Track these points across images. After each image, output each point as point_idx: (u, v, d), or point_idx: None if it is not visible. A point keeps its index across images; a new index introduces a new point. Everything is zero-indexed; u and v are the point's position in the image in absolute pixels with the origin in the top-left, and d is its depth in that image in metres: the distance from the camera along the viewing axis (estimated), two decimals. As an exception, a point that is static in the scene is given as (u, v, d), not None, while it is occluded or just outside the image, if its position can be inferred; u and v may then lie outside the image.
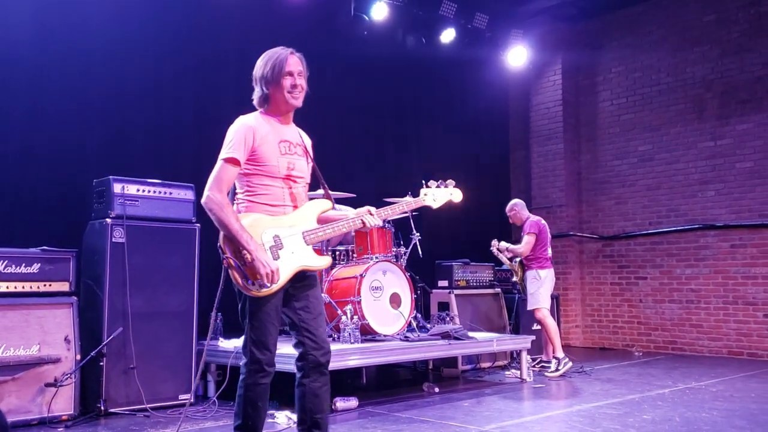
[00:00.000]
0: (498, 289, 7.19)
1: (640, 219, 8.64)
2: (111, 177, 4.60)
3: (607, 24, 8.99)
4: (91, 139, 5.53)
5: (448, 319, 6.23)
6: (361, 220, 3.07)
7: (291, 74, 2.92)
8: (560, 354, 6.33)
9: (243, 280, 2.74)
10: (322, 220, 3.03)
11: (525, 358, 6.02)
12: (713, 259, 7.91)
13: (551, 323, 6.45)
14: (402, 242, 6.14)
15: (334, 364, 4.81)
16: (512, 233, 9.36)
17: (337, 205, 4.78)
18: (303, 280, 2.93)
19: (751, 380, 5.97)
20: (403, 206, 3.34)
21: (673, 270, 8.23)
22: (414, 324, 5.78)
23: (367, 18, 7.26)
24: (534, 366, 6.56)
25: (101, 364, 4.35)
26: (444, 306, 6.68)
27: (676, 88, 8.30)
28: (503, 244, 6.79)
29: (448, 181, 3.55)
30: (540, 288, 6.47)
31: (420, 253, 6.05)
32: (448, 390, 5.54)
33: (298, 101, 2.96)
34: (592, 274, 9.09)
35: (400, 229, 6.23)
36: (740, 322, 7.65)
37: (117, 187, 4.58)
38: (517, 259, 6.70)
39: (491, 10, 8.13)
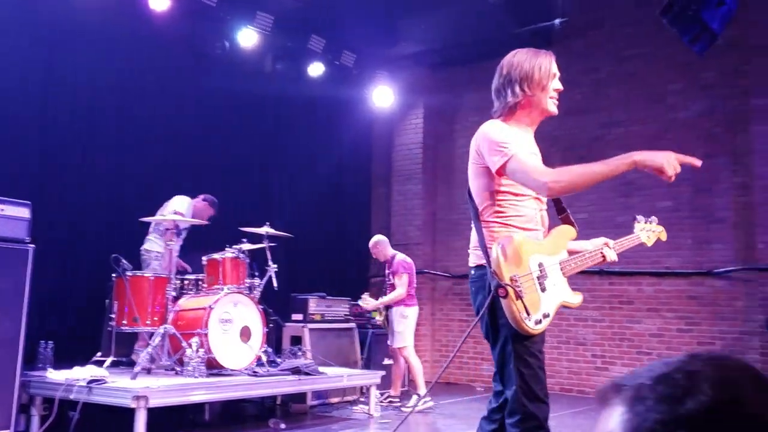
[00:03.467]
0: (352, 324, 7.24)
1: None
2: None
3: (467, 74, 9.49)
4: None
5: (299, 353, 6.18)
6: (601, 253, 2.71)
7: (553, 77, 2.61)
8: (422, 392, 6.41)
9: (521, 314, 2.33)
10: (569, 251, 2.67)
11: (374, 393, 6.08)
12: (551, 301, 8.45)
13: (415, 362, 6.55)
14: (257, 273, 6.04)
15: (175, 400, 4.62)
16: (370, 268, 9.52)
17: None
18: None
19: (579, 416, 6.40)
20: (633, 241, 2.95)
21: (516, 310, 8.70)
22: (264, 358, 5.67)
23: (228, 45, 7.16)
24: (382, 401, 6.64)
25: None
26: (297, 340, 6.62)
27: (525, 140, 8.89)
28: (372, 301, 6.79)
29: (652, 218, 3.10)
30: (407, 326, 6.56)
31: (275, 285, 5.97)
32: (295, 426, 5.47)
33: (556, 110, 2.64)
34: (443, 311, 9.41)
35: (255, 259, 6.13)
36: (571, 361, 8.21)
37: (-59, 200, 4.16)
38: (385, 298, 6.74)
39: (359, 50, 8.34)
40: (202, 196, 6.40)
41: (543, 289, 2.43)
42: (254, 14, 7.13)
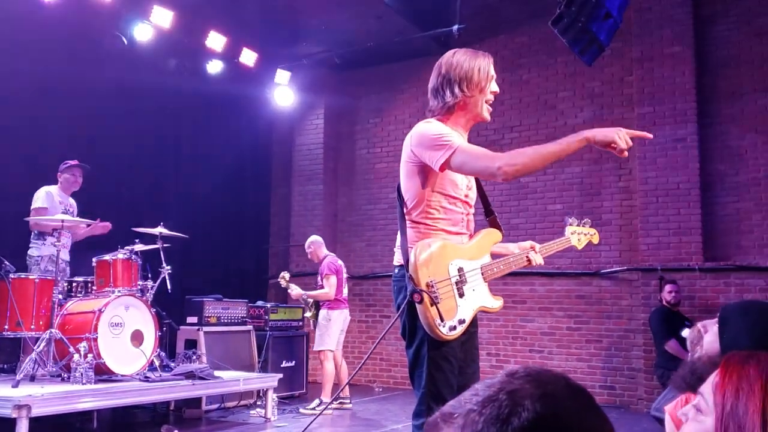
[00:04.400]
0: (250, 326, 7.11)
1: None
2: None
3: (367, 76, 9.56)
4: None
5: (194, 357, 5.99)
6: (527, 257, 2.71)
7: (491, 81, 2.58)
8: (326, 399, 6.33)
9: (435, 320, 2.31)
10: (493, 255, 2.65)
11: (271, 396, 5.99)
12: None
13: (329, 368, 6.45)
14: (150, 275, 5.81)
15: (61, 408, 4.37)
16: (269, 269, 9.39)
17: None
18: (472, 325, 2.51)
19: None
20: (562, 244, 2.96)
21: (415, 310, 8.83)
22: (157, 363, 5.46)
23: (126, 40, 6.86)
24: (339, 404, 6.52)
25: None
26: (192, 344, 6.42)
27: (424, 143, 9.05)
28: (297, 289, 6.69)
29: (585, 220, 3.13)
30: (329, 329, 6.47)
31: (169, 287, 5.77)
32: (189, 432, 5.30)
33: (488, 113, 2.63)
34: (342, 313, 9.41)
35: (149, 261, 5.90)
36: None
37: None
38: (312, 292, 6.64)
39: (260, 48, 8.20)
40: (59, 171, 5.87)
41: (461, 295, 2.43)
42: (150, 9, 6.85)
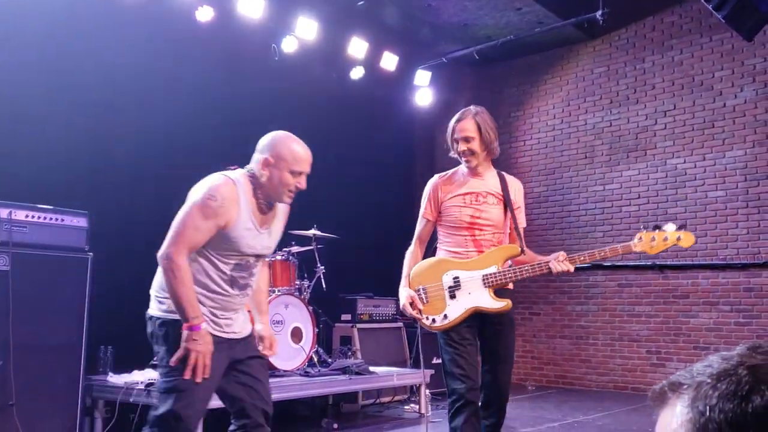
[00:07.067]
0: (400, 323, 7.27)
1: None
2: (-3, 201, 4.36)
3: (506, 70, 9.44)
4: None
5: (349, 353, 6.23)
6: (547, 265, 3.08)
7: (457, 141, 3.32)
8: None
9: (416, 314, 3.22)
10: (517, 263, 3.18)
11: (424, 392, 6.09)
12: (601, 297, 8.34)
13: None
14: (306, 275, 6.11)
15: (231, 400, 4.70)
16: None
17: None
18: (495, 323, 3.16)
19: (634, 414, 6.30)
20: (608, 251, 3.15)
21: (565, 307, 8.61)
22: (315, 359, 5.74)
23: (277, 51, 7.28)
24: None
25: (-24, 400, 4.06)
26: (346, 340, 6.68)
27: (569, 134, 8.79)
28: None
29: (668, 225, 3.25)
30: None
31: (324, 286, 6.04)
32: (348, 426, 5.51)
33: (470, 164, 3.28)
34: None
35: (304, 262, 6.20)
36: (625, 358, 8.07)
37: (3, 212, 4.34)
38: None
39: (400, 51, 8.36)
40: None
41: (452, 297, 3.12)
42: (296, 21, 7.21)
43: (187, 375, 2.46)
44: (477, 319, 3.12)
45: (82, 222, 4.71)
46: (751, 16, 4.64)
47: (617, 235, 8.25)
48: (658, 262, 7.83)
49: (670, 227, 3.15)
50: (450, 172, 3.37)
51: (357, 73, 8.16)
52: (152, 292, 2.76)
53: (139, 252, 6.35)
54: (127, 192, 6.31)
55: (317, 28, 7.31)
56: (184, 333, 2.50)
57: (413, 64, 8.81)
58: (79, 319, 4.58)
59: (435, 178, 3.36)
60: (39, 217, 4.49)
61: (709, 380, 0.67)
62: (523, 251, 3.18)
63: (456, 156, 3.33)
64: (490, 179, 3.29)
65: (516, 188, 3.33)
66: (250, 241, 2.71)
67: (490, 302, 3.08)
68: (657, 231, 3.13)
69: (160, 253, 2.60)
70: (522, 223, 3.32)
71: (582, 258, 3.14)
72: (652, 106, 8.08)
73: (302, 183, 2.77)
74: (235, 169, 2.86)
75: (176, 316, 2.54)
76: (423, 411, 6.03)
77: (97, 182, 6.10)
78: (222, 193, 2.62)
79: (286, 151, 2.71)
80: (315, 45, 7.54)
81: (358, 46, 7.85)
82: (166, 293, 2.62)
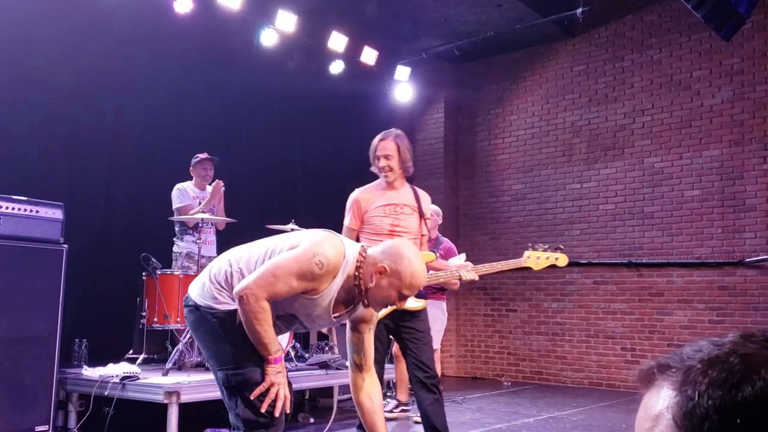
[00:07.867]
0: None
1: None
2: (-31, 191, 4.28)
3: (486, 67, 9.46)
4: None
5: (327, 348, 6.22)
6: (459, 273, 3.67)
7: (378, 158, 3.76)
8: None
9: None
10: (431, 269, 3.52)
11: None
12: (577, 294, 8.41)
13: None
14: (283, 270, 6.07)
15: (205, 395, 4.68)
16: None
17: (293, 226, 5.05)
18: (409, 319, 3.66)
19: (609, 410, 6.36)
20: (502, 265, 3.97)
21: (541, 303, 8.67)
22: (292, 353, 5.72)
23: (255, 44, 7.22)
24: (393, 411, 6.34)
25: (-54, 394, 3.98)
26: (324, 336, 6.66)
27: (548, 131, 8.84)
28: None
29: (547, 246, 4.11)
30: (444, 325, 5.99)
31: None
32: (323, 420, 5.50)
33: (388, 178, 3.74)
34: (467, 306, 9.40)
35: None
36: (600, 355, 8.16)
37: (-24, 203, 4.25)
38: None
39: (380, 46, 8.34)
40: (191, 166, 6.03)
41: None
42: (275, 14, 7.16)
43: (277, 410, 2.50)
44: (394, 317, 3.65)
45: (57, 214, 4.63)
46: (729, 16, 4.69)
47: (594, 233, 8.33)
48: (633, 260, 7.92)
49: (548, 250, 4.01)
50: (369, 186, 3.81)
51: (336, 67, 8.12)
52: (211, 285, 2.61)
53: (114, 244, 6.34)
54: (103, 184, 6.23)
55: (296, 21, 7.26)
56: (268, 368, 2.51)
57: (393, 59, 8.80)
58: (54, 312, 4.51)
59: (356, 192, 3.77)
60: (13, 209, 4.41)
61: (699, 365, 0.66)
62: (436, 258, 3.77)
63: (376, 171, 3.78)
64: (404, 193, 3.78)
65: (426, 201, 3.85)
66: (311, 311, 2.62)
67: (411, 302, 3.48)
68: (539, 252, 3.96)
69: (242, 290, 2.44)
70: (427, 232, 3.85)
71: (484, 269, 3.83)
72: (631, 105, 8.15)
73: (402, 305, 2.63)
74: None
75: (234, 307, 2.52)
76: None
77: (73, 174, 6.03)
78: (328, 265, 2.49)
79: (407, 273, 2.49)
80: (294, 38, 7.49)
81: (337, 40, 7.81)
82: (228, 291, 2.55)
